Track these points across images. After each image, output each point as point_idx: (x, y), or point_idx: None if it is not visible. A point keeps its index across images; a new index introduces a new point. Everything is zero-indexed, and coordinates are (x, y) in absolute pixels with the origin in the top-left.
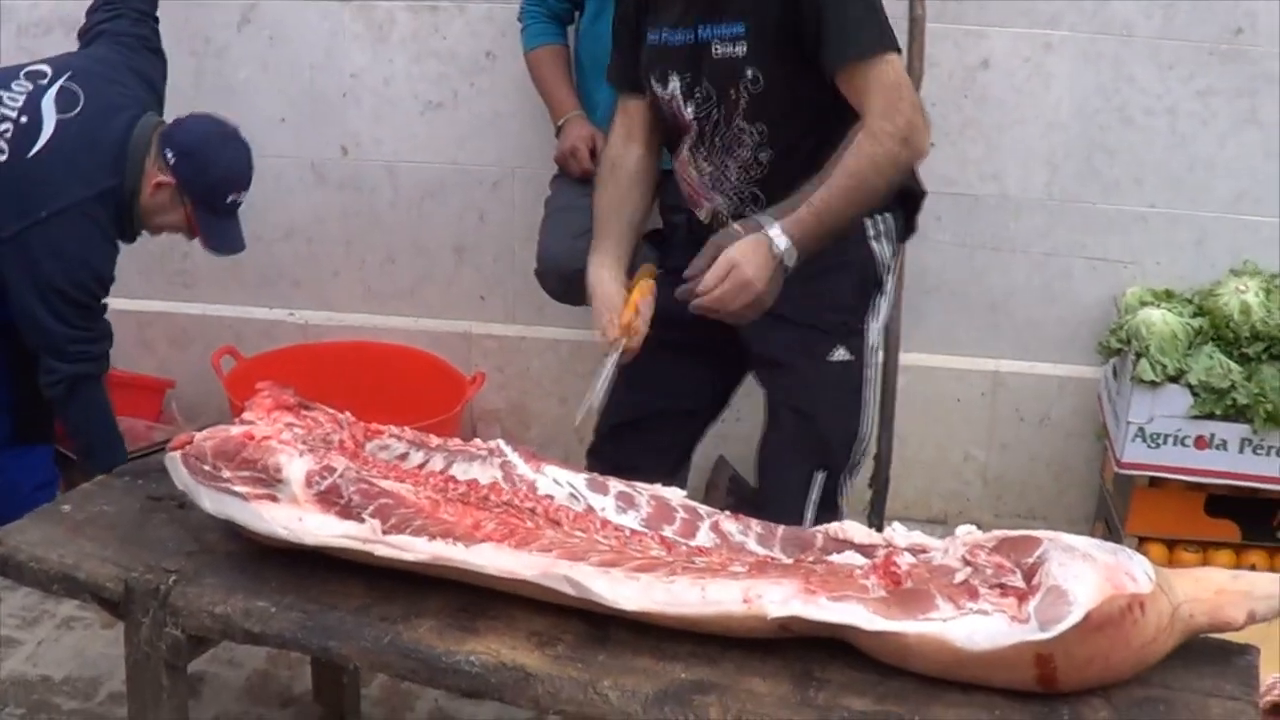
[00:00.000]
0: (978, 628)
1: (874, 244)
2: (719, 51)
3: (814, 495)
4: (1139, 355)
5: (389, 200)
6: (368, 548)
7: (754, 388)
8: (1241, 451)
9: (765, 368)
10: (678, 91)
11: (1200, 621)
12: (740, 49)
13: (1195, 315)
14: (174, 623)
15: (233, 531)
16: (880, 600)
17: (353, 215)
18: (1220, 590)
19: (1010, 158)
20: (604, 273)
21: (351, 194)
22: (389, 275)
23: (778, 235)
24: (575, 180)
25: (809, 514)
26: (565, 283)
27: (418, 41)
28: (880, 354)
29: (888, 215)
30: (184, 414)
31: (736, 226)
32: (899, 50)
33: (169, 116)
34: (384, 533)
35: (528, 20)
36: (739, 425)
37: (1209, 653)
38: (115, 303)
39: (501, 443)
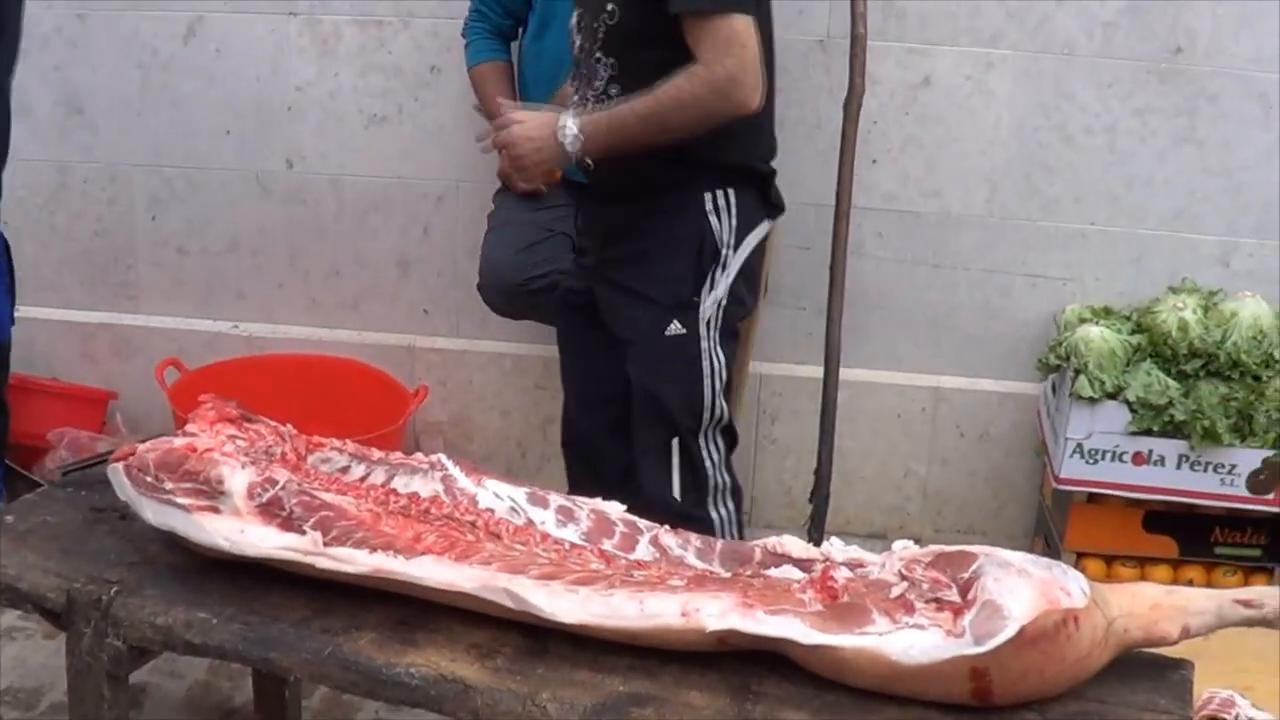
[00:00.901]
0: (914, 642)
1: (711, 218)
2: None
3: (674, 461)
4: (1078, 372)
5: (333, 213)
6: (309, 560)
7: None
8: (1179, 468)
9: (620, 345)
10: (573, 23)
11: (1135, 636)
12: None
13: (1134, 332)
14: (115, 633)
15: (175, 543)
16: (817, 614)
17: (297, 228)
18: (1155, 605)
19: (951, 175)
20: None
21: (296, 207)
22: (333, 288)
23: (569, 120)
24: (517, 195)
25: (674, 479)
26: (507, 296)
27: (363, 56)
28: (717, 324)
29: (729, 190)
30: (128, 425)
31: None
32: (749, 14)
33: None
34: (325, 545)
35: (471, 36)
36: None
37: (1144, 667)
38: (58, 313)
39: (443, 456)
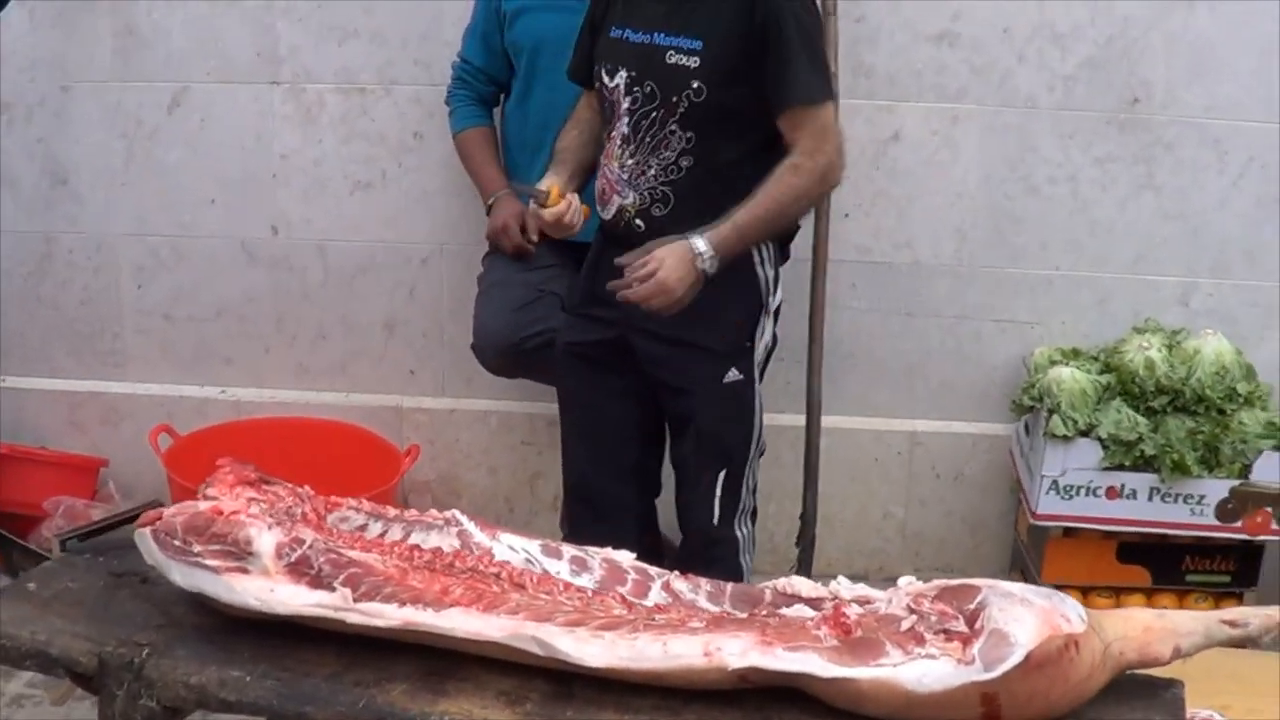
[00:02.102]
0: (927, 671)
1: (760, 269)
2: (672, 59)
3: (718, 490)
4: (1051, 411)
5: (319, 278)
6: (340, 615)
7: None
8: (1150, 500)
9: (669, 392)
10: (621, 85)
11: (1130, 658)
12: (693, 61)
13: (1102, 372)
14: (149, 694)
15: (200, 605)
16: (833, 649)
17: (283, 293)
18: (1147, 628)
19: (921, 227)
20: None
21: (282, 272)
22: (320, 351)
23: (702, 245)
24: (506, 258)
25: (715, 506)
26: (503, 356)
27: (346, 123)
28: (762, 366)
29: (769, 243)
30: (120, 492)
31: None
32: (836, 100)
33: (102, 190)
34: (355, 600)
35: (455, 104)
36: (665, 490)
37: (1138, 688)
38: (45, 383)
39: (457, 513)
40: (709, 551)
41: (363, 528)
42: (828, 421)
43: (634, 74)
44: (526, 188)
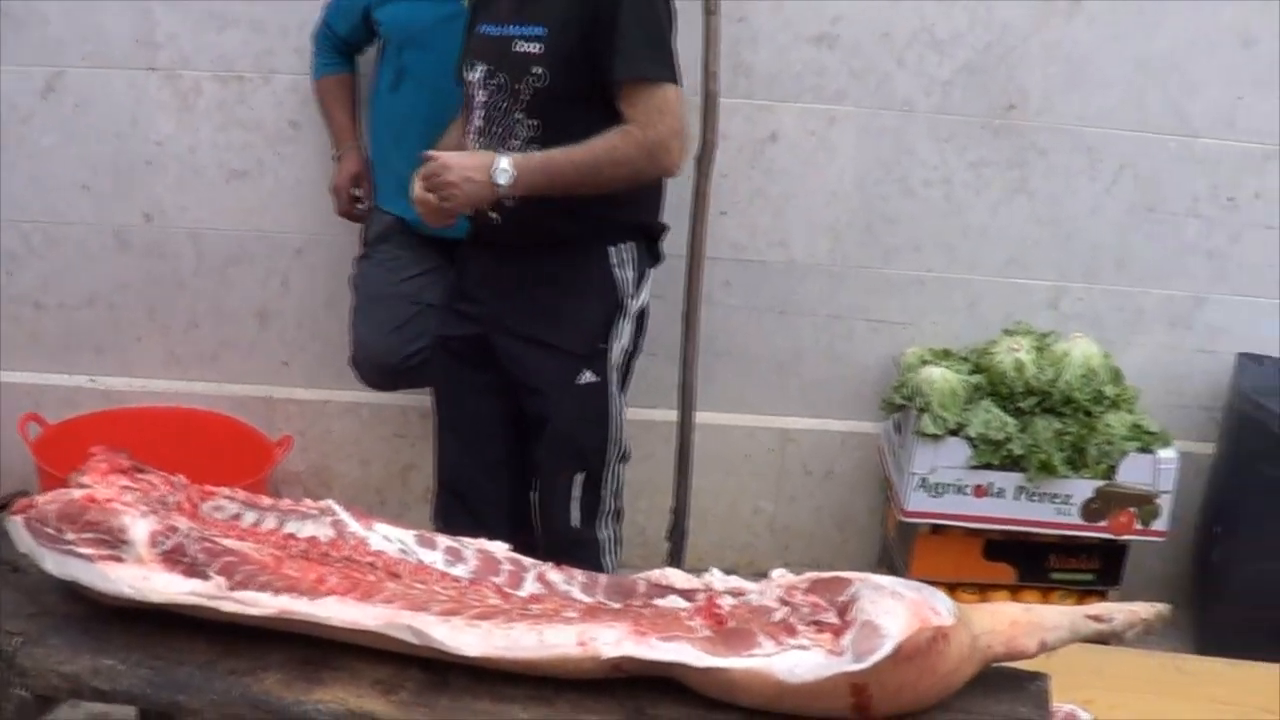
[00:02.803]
0: (799, 661)
1: (616, 271)
2: (519, 48)
3: (576, 492)
4: (921, 410)
5: (192, 267)
6: (214, 604)
7: None
8: (1017, 499)
9: (525, 391)
10: (478, 78)
11: (997, 651)
12: (536, 48)
13: (972, 372)
14: (21, 683)
15: (73, 594)
16: (707, 639)
17: (155, 282)
18: (1014, 622)
19: (796, 226)
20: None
21: (155, 261)
22: (192, 341)
23: (505, 161)
24: (379, 263)
25: (574, 508)
26: (383, 375)
27: (223, 111)
28: (621, 370)
29: (631, 244)
30: None
31: None
32: (679, 85)
33: None
34: (230, 589)
35: (317, 46)
36: None
37: (1005, 680)
38: None
39: (332, 502)
40: (570, 553)
41: (237, 517)
42: (701, 417)
43: (489, 67)
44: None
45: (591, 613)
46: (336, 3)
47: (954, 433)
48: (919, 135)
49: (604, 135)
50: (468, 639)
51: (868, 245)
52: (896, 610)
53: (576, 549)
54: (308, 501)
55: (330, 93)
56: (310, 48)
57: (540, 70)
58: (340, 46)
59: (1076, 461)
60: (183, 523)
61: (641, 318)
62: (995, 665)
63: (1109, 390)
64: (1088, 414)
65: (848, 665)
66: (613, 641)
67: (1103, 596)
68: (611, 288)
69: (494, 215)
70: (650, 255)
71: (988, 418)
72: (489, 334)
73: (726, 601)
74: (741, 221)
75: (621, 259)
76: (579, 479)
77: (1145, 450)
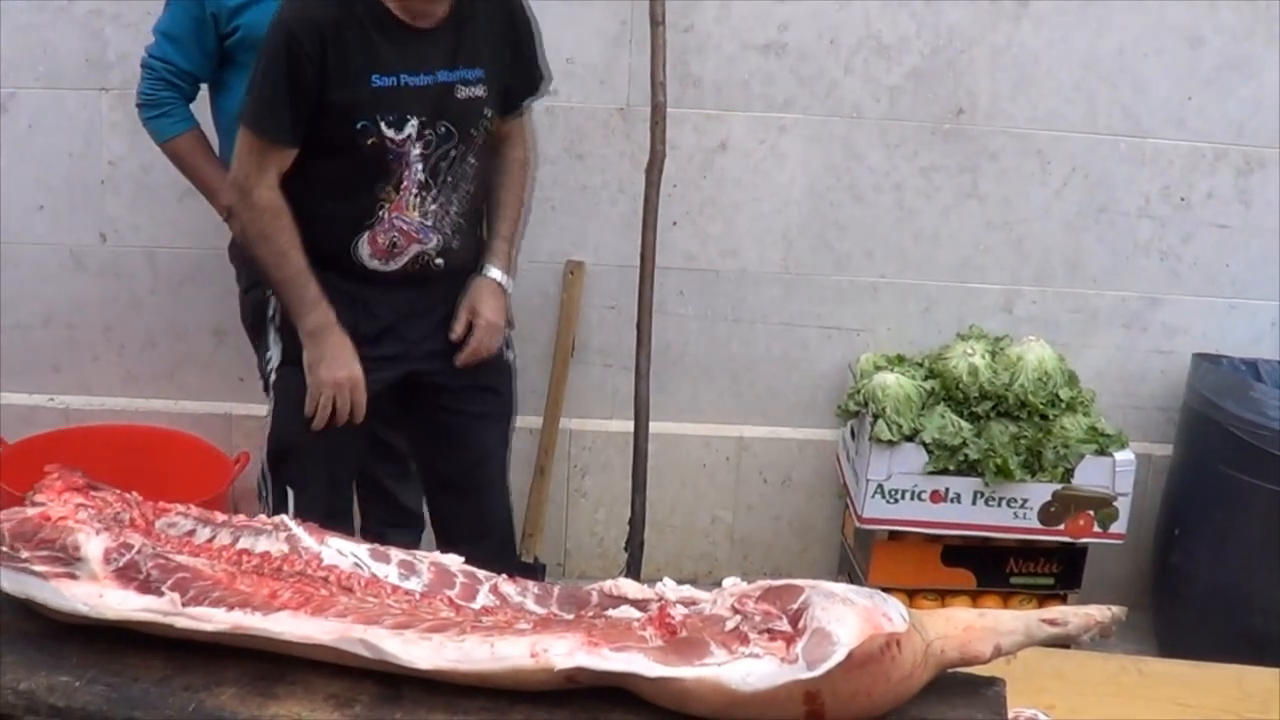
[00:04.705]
0: (751, 670)
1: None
2: (462, 94)
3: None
4: (876, 417)
5: (148, 285)
6: (168, 620)
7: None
8: (974, 503)
9: (468, 416)
10: (413, 132)
11: (951, 656)
12: (480, 90)
13: (927, 378)
14: None
15: (28, 611)
16: (659, 649)
17: (111, 301)
18: (968, 627)
19: (748, 234)
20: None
21: (110, 280)
22: (149, 359)
23: (499, 275)
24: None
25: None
26: None
27: None
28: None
29: None
30: None
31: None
32: None
33: None
34: (184, 605)
35: (167, 104)
36: None
37: (960, 685)
38: None
39: (285, 517)
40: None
41: (191, 533)
42: (656, 427)
43: (425, 118)
44: None
45: (544, 624)
46: (169, 36)
47: (909, 439)
48: (869, 142)
49: (515, 178)
50: (420, 652)
51: (820, 252)
52: (848, 617)
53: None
54: (261, 517)
55: (199, 150)
56: (136, 106)
57: (490, 112)
58: (189, 90)
59: (1033, 465)
60: (137, 539)
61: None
62: (951, 671)
63: (1064, 393)
64: (1043, 417)
65: (800, 673)
66: (565, 652)
67: (1063, 600)
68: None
69: (439, 261)
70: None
71: (943, 423)
72: (414, 369)
73: (679, 611)
74: (693, 231)
75: None
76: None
77: (1102, 453)
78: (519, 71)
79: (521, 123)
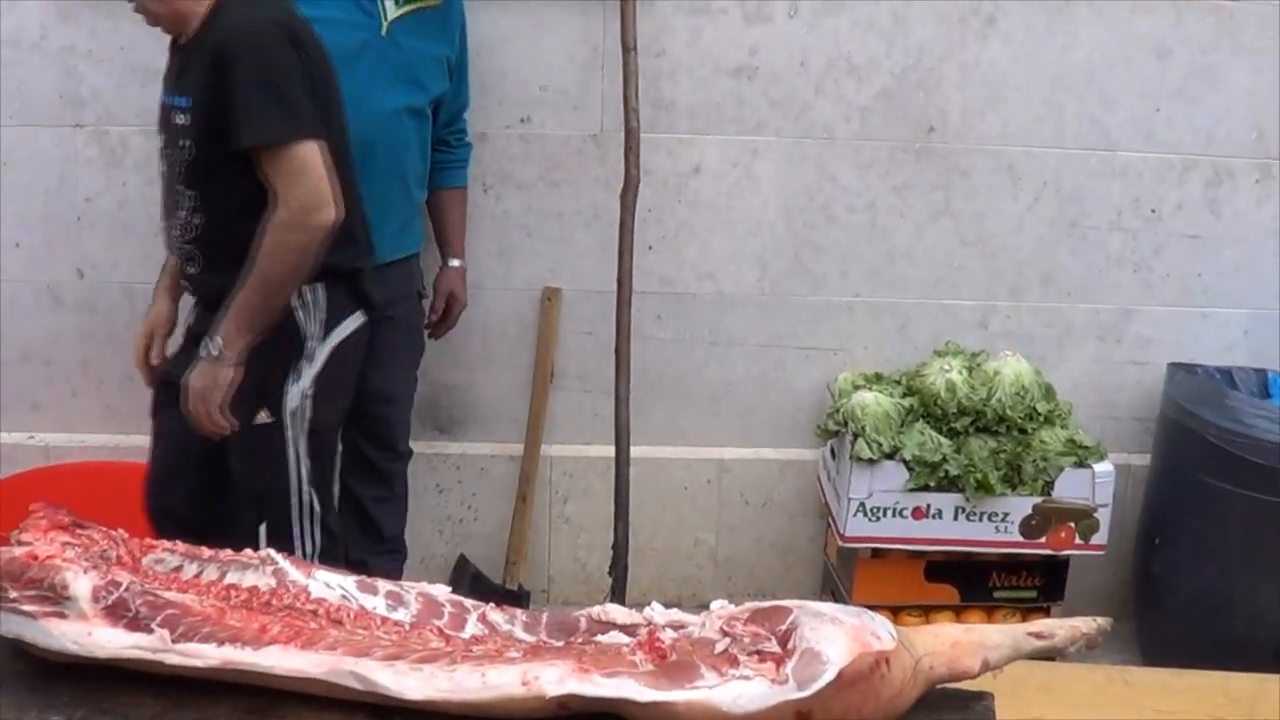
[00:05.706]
0: (742, 692)
1: (297, 314)
2: (176, 120)
3: (262, 545)
4: (856, 435)
5: (126, 320)
6: (158, 657)
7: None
8: (956, 519)
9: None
10: (160, 148)
11: (940, 672)
12: (184, 119)
13: (905, 395)
14: None
15: (18, 651)
16: (649, 673)
17: (90, 336)
18: (956, 643)
19: (724, 257)
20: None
21: (88, 315)
22: (129, 394)
23: (211, 347)
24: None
25: None
26: None
27: (151, 165)
28: (303, 416)
29: (317, 287)
30: None
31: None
32: (314, 138)
33: None
34: (173, 641)
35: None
36: (478, 524)
37: (949, 701)
38: None
39: (272, 550)
40: None
41: (178, 569)
42: (636, 451)
43: (163, 136)
44: None
45: (534, 652)
46: None
47: (889, 456)
48: (841, 162)
49: (258, 245)
50: (411, 682)
51: (795, 273)
52: (837, 637)
53: None
54: (248, 551)
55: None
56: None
57: (187, 143)
58: None
59: (1013, 479)
60: (125, 577)
61: (331, 363)
62: (940, 686)
63: (1042, 407)
64: (1022, 431)
65: (791, 694)
66: (556, 679)
67: (1046, 613)
68: (290, 328)
69: (185, 282)
70: (355, 299)
71: (922, 440)
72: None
73: (668, 635)
74: (669, 255)
75: (304, 300)
76: (263, 530)
77: (1081, 465)
78: (223, 112)
79: (272, 171)
